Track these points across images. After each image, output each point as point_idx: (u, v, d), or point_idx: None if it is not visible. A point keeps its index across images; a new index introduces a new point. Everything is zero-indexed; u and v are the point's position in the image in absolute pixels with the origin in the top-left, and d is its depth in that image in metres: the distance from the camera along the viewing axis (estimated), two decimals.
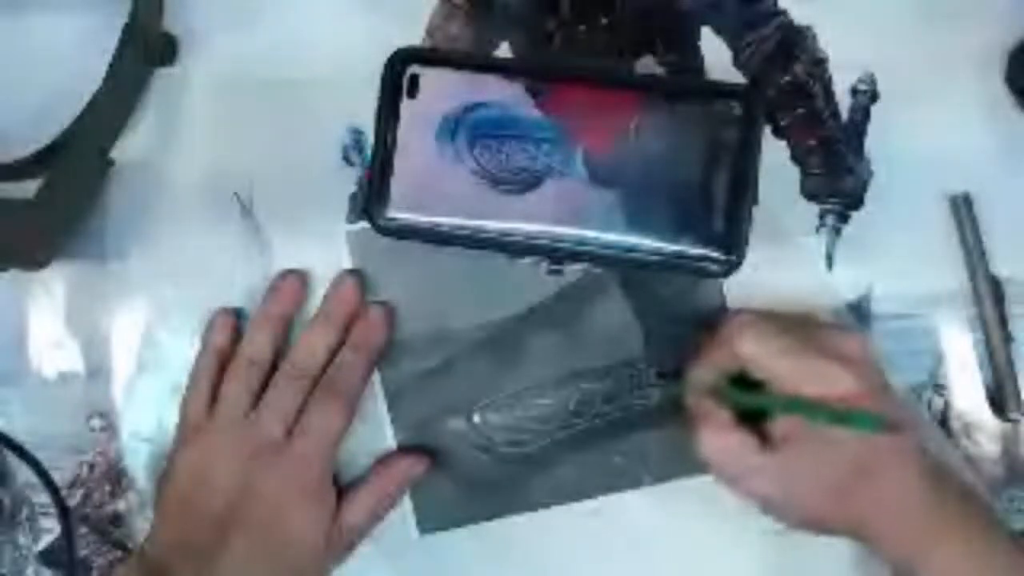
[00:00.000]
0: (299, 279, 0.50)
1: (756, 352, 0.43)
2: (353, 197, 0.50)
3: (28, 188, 0.48)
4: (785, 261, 0.48)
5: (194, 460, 0.47)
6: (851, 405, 0.41)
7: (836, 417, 0.40)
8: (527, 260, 0.45)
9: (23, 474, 0.51)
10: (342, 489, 0.48)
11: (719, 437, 0.43)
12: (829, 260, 0.48)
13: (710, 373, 0.44)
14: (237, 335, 0.49)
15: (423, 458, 0.49)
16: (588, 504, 0.50)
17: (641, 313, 0.50)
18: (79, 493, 0.51)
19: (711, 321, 0.47)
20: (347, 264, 0.50)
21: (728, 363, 0.44)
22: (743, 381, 0.44)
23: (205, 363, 0.49)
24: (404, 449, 0.50)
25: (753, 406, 0.43)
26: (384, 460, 0.50)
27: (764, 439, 0.42)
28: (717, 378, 0.44)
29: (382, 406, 0.50)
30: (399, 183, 0.40)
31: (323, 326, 0.49)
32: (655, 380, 0.49)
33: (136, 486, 0.51)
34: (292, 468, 0.46)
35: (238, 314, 0.50)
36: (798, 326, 0.44)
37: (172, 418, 0.49)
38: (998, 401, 0.49)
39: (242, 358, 0.48)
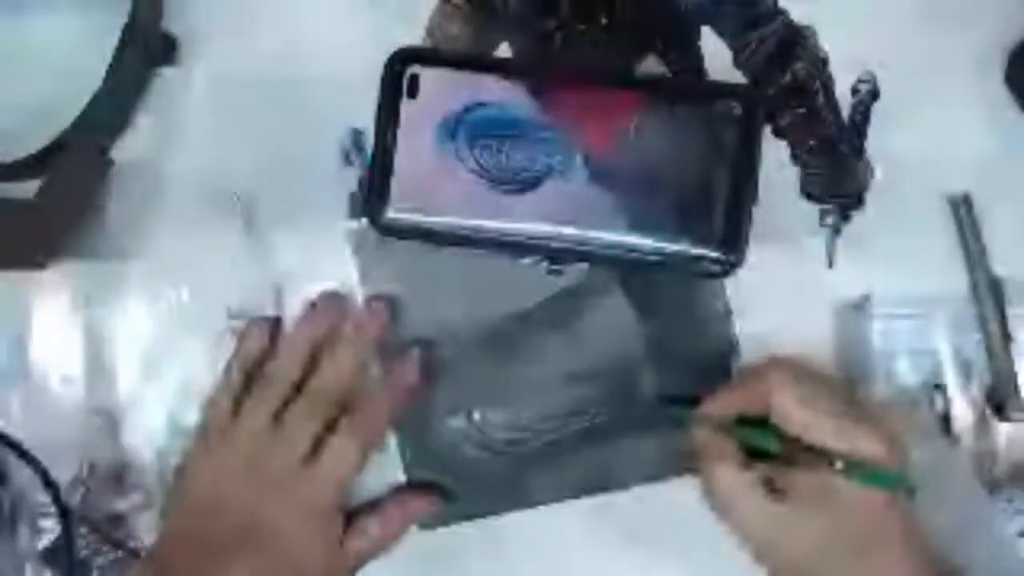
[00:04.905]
0: (339, 301, 0.49)
1: (798, 411, 0.42)
2: (353, 197, 0.50)
3: (28, 188, 0.48)
4: (785, 261, 0.48)
5: (208, 478, 0.47)
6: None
7: (865, 473, 0.41)
8: (527, 260, 0.44)
9: (23, 474, 0.51)
10: (350, 515, 0.48)
11: (729, 475, 0.43)
12: (829, 260, 0.48)
13: (726, 411, 0.45)
14: (271, 343, 0.49)
15: (434, 498, 0.50)
16: (587, 501, 0.50)
17: (641, 313, 0.50)
18: (79, 493, 0.51)
19: (726, 358, 0.48)
20: (349, 261, 0.50)
21: (750, 407, 0.44)
22: (744, 420, 0.44)
23: (233, 371, 0.49)
24: (415, 484, 0.50)
25: (774, 451, 0.43)
26: (397, 495, 0.50)
27: (768, 484, 0.43)
28: (730, 416, 0.44)
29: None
30: (399, 183, 0.40)
31: (350, 349, 0.48)
32: (656, 402, 0.49)
33: (141, 485, 0.51)
34: (303, 499, 0.46)
35: (276, 321, 0.50)
36: (839, 389, 0.45)
37: (173, 417, 0.49)
38: (998, 401, 0.49)
39: (269, 375, 0.48)
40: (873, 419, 0.42)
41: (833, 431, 0.41)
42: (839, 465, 0.41)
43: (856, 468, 0.41)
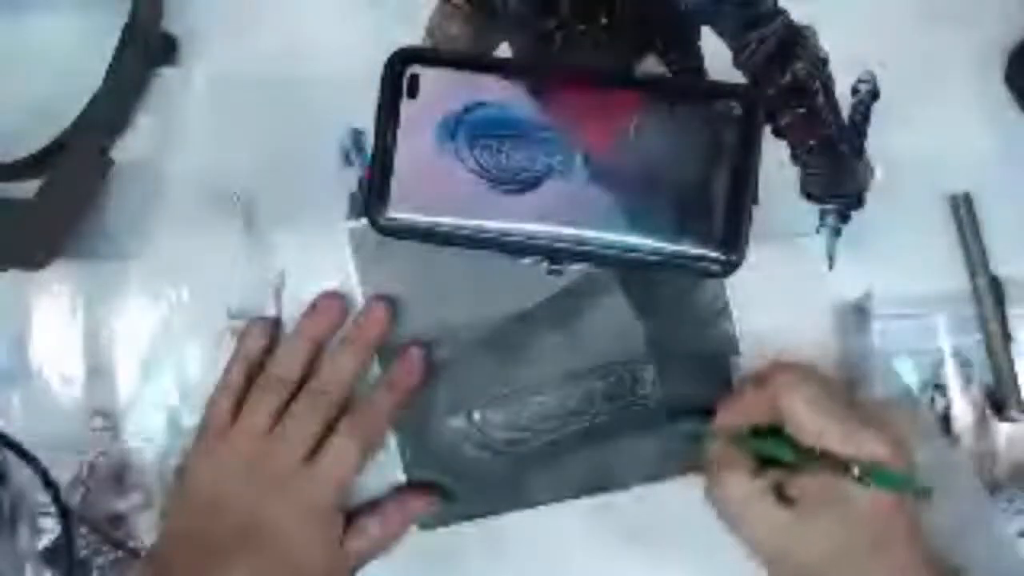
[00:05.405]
0: (340, 302, 0.49)
1: (809, 415, 0.42)
2: (353, 197, 0.50)
3: (28, 188, 0.48)
4: (785, 261, 0.48)
5: (209, 477, 0.47)
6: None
7: (879, 476, 0.41)
8: (527, 260, 0.45)
9: (23, 474, 0.51)
10: (350, 515, 0.48)
11: (740, 483, 0.43)
12: (829, 260, 0.48)
13: (738, 421, 0.45)
14: (272, 343, 0.49)
15: (434, 498, 0.50)
16: (587, 501, 0.50)
17: (641, 313, 0.50)
18: (79, 493, 0.51)
19: (725, 358, 0.48)
20: (349, 261, 0.50)
21: (759, 413, 0.44)
22: (758, 431, 0.44)
23: (234, 371, 0.49)
24: (415, 484, 0.50)
25: (788, 460, 0.43)
26: (397, 495, 0.50)
27: (778, 492, 0.43)
28: (743, 425, 0.45)
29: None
30: (399, 183, 0.40)
31: (350, 349, 0.48)
32: (664, 418, 0.49)
33: (141, 485, 0.51)
34: (303, 499, 0.46)
35: (276, 323, 0.50)
36: (842, 391, 0.45)
37: (173, 417, 0.49)
38: (998, 401, 0.49)
39: (269, 375, 0.48)
40: (877, 421, 0.42)
41: (839, 435, 0.42)
42: (855, 471, 0.41)
43: (871, 473, 0.41)
